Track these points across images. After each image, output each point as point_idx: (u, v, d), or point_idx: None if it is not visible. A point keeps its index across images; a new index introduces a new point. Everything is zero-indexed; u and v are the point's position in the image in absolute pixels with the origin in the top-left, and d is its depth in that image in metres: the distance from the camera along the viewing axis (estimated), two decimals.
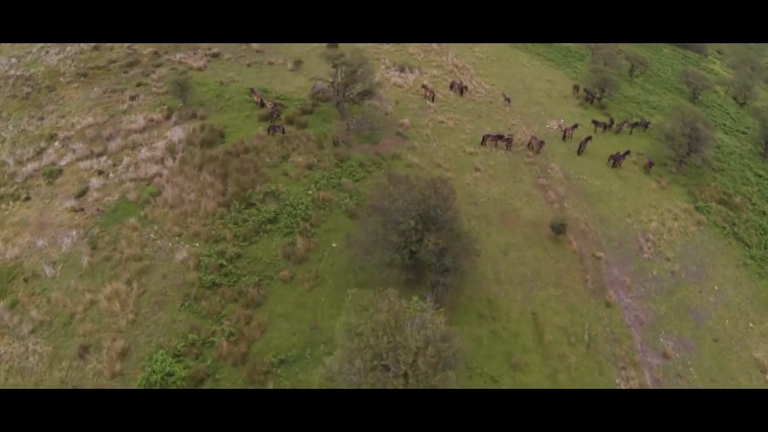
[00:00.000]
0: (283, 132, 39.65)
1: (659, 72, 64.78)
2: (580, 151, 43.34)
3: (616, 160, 42.97)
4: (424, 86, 47.64)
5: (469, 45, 59.44)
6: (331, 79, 41.74)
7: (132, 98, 46.32)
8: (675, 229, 38.45)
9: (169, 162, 37.42)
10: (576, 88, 52.94)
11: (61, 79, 51.69)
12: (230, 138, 39.58)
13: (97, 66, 53.29)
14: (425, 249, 26.86)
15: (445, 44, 58.30)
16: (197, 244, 31.58)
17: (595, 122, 47.06)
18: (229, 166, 36.50)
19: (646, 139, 48.30)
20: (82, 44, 61.40)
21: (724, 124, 57.01)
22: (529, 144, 42.67)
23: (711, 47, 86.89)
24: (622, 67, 58.58)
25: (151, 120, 42.41)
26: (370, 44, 55.32)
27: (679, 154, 44.56)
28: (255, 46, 53.46)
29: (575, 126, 45.16)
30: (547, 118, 47.25)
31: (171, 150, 39.02)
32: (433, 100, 46.33)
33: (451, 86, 48.93)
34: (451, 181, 35.85)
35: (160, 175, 36.11)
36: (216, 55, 52.73)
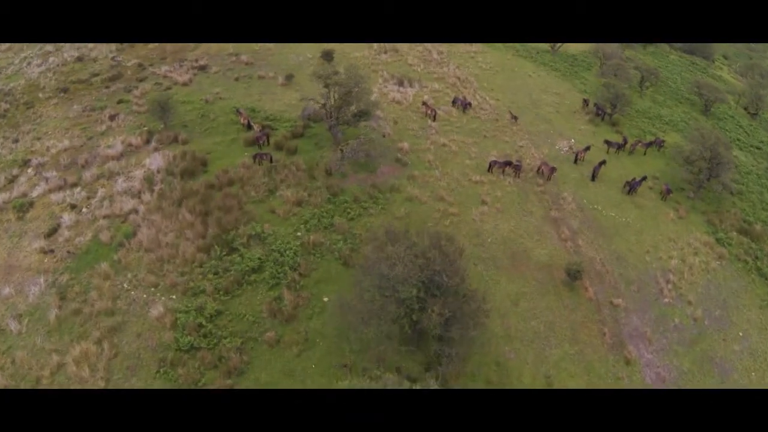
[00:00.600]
0: (271, 160, 35.02)
1: (668, 81, 59.53)
2: (593, 177, 38.79)
3: (632, 187, 38.39)
4: (424, 103, 42.68)
5: (472, 55, 54.62)
6: (322, 101, 36.71)
7: (111, 117, 41.62)
8: (696, 266, 34.43)
9: (147, 196, 33.08)
10: (585, 102, 48.08)
11: (41, 95, 47.02)
12: (213, 166, 35.08)
13: (79, 80, 48.65)
14: (428, 319, 22.82)
15: (446, 54, 53.46)
16: (174, 297, 27.47)
17: (607, 142, 42.34)
18: (211, 203, 32.24)
19: (661, 160, 43.73)
20: (65, 55, 56.45)
21: (738, 139, 52.26)
22: (539, 170, 38.06)
23: (716, 48, 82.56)
24: (632, 79, 53.30)
25: (130, 144, 37.78)
26: (367, 55, 50.92)
27: (698, 179, 40.17)
28: (244, 57, 48.52)
29: (587, 148, 40.62)
30: (557, 138, 42.63)
31: (149, 181, 34.65)
32: (434, 119, 41.43)
33: (454, 102, 44.07)
34: (456, 218, 32.23)
35: (136, 211, 31.90)
36: (203, 68, 47.75)
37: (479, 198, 34.92)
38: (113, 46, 55.60)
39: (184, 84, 45.25)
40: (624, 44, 62.23)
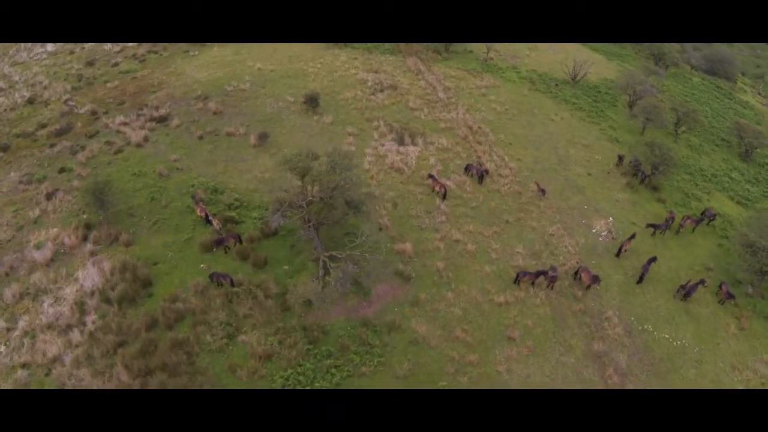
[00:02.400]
0: (232, 284, 24.13)
1: (698, 113, 44.13)
2: (641, 279, 28.13)
3: (687, 293, 27.96)
4: (431, 176, 30.60)
5: (483, 91, 41.29)
6: (299, 207, 24.30)
7: (49, 196, 30.16)
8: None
9: (76, 334, 22.96)
10: (620, 159, 36.04)
11: None
12: (160, 287, 24.49)
13: (24, 132, 36.51)
14: None
15: (453, 91, 40.36)
16: None
17: (652, 226, 31.14)
18: (154, 357, 21.43)
19: (712, 238, 32.54)
20: (16, 96, 42.85)
21: None
22: (577, 275, 27.28)
23: (736, 62, 70.86)
24: (667, 123, 41.07)
25: (62, 245, 26.93)
26: (359, 95, 37.88)
27: (761, 272, 29.36)
28: (212, 104, 35.96)
29: (632, 237, 29.65)
30: (593, 216, 31.20)
31: (80, 309, 24.11)
32: (444, 196, 29.87)
33: (467, 170, 32.21)
34: (475, 370, 21.96)
35: (62, 361, 21.90)
36: (163, 120, 35.22)
37: (504, 332, 24.11)
38: (68, 85, 42.59)
39: (138, 145, 32.98)
40: (647, 70, 51.65)
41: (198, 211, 27.84)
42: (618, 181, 35.50)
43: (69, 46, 50.35)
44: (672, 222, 32.73)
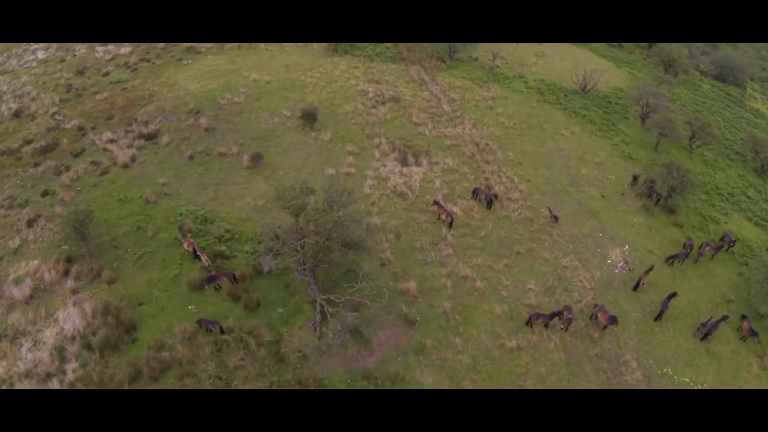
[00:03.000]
0: (221, 331, 21.49)
1: (711, 125, 40.80)
2: (659, 317, 25.40)
3: (708, 332, 25.26)
4: (436, 203, 27.70)
5: (489, 104, 37.81)
6: (293, 249, 21.61)
7: (30, 223, 27.47)
8: None
9: (55, 385, 20.44)
10: (635, 178, 33.02)
11: None
12: (145, 333, 21.90)
13: (9, 149, 33.60)
14: None
15: (458, 103, 36.95)
16: None
17: (671, 258, 28.35)
18: None
19: (732, 266, 29.78)
20: (2, 108, 39.13)
21: None
22: (593, 315, 24.60)
23: (745, 66, 67.44)
24: (681, 138, 37.53)
25: (41, 280, 24.25)
26: (360, 109, 34.70)
27: None
28: (204, 120, 32.83)
29: (650, 270, 26.81)
30: (607, 244, 28.44)
31: (60, 355, 21.55)
32: (451, 225, 26.99)
33: (474, 194, 29.23)
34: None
35: None
36: (152, 137, 32.23)
37: (516, 382, 21.44)
38: (57, 97, 38.99)
39: (125, 166, 30.07)
40: (658, 78, 48.74)
41: (185, 246, 24.86)
42: (633, 204, 32.63)
43: (60, 53, 47.28)
44: (691, 250, 29.75)
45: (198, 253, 24.56)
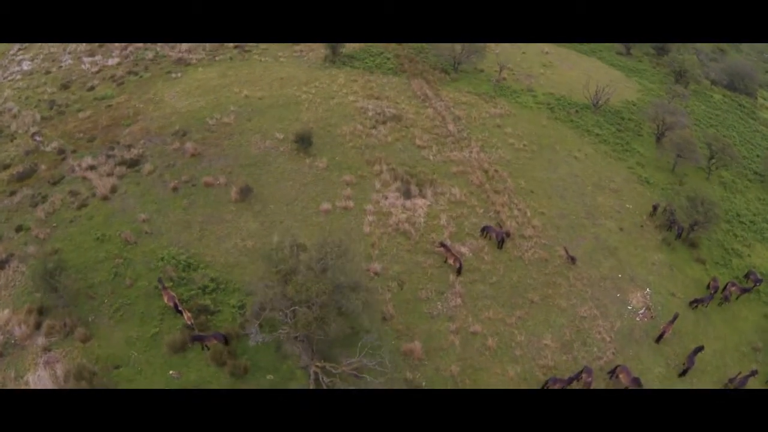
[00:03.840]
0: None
1: (732, 147, 37.20)
2: (684, 373, 22.09)
3: (737, 388, 22.13)
4: (443, 245, 23.93)
5: (497, 122, 33.56)
6: (284, 320, 18.28)
7: (2, 264, 23.69)
8: None
9: None
10: (655, 208, 29.28)
11: None
12: None
13: None
14: None
15: (464, 121, 32.90)
16: None
17: (695, 302, 24.97)
18: None
19: (757, 307, 26.34)
20: None
21: None
22: (614, 374, 21.12)
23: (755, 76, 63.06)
24: (700, 160, 33.60)
25: (11, 335, 20.82)
26: (359, 130, 30.71)
27: None
28: (190, 145, 28.73)
29: (674, 319, 23.37)
30: (627, 287, 24.83)
31: None
32: (459, 271, 23.23)
33: (484, 232, 25.36)
34: None
35: None
36: (135, 163, 28.21)
37: None
38: (39, 115, 34.33)
39: (105, 198, 26.16)
40: (671, 91, 43.07)
41: (166, 300, 21.06)
42: (653, 237, 28.84)
43: (46, 64, 42.80)
44: (716, 292, 26.00)
45: (180, 309, 20.81)
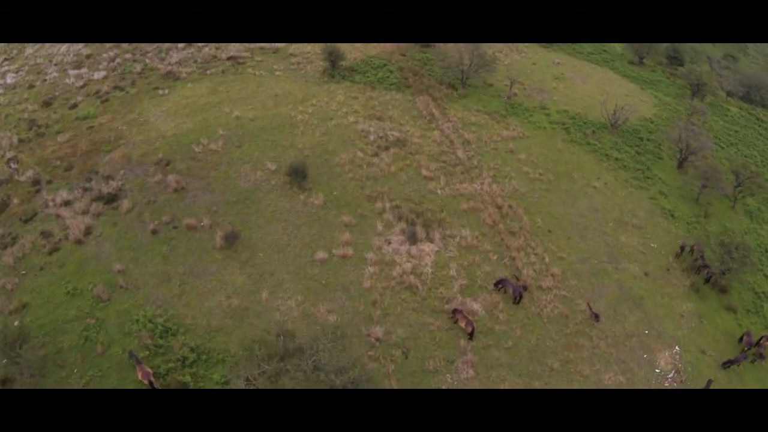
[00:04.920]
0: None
1: (761, 175, 32.33)
2: None
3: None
4: (456, 311, 19.85)
5: (510, 148, 28.95)
6: None
7: None
8: None
9: None
10: (682, 249, 25.21)
11: None
12: None
13: None
14: None
15: (474, 146, 28.54)
16: None
17: (728, 363, 21.33)
18: None
19: None
20: None
21: None
22: None
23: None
24: (727, 190, 29.63)
25: None
26: (359, 157, 26.56)
27: None
28: (172, 178, 24.38)
29: (708, 386, 19.88)
30: (655, 344, 21.18)
31: None
32: (471, 336, 19.40)
33: (498, 285, 21.36)
34: None
35: None
36: (113, 199, 23.96)
37: None
38: (16, 137, 29.93)
39: (78, 241, 22.10)
40: (690, 108, 36.99)
41: (140, 376, 17.18)
42: (680, 283, 24.32)
43: (30, 77, 37.36)
44: (749, 348, 22.13)
45: (155, 387, 16.97)
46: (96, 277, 21.30)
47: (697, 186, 29.54)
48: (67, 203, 24.91)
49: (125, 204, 24.06)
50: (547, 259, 23.29)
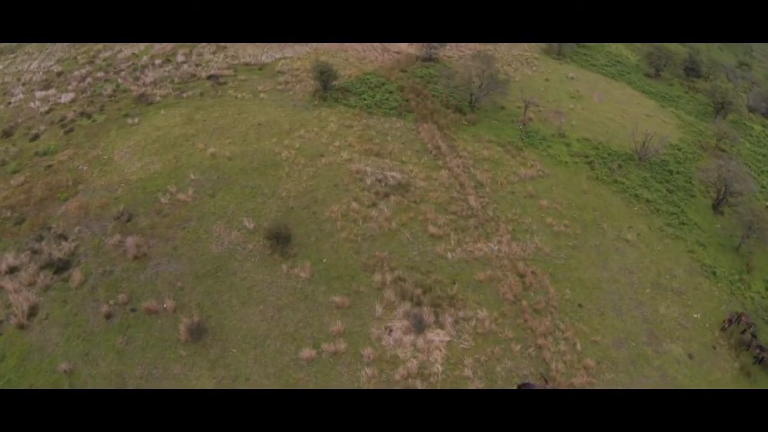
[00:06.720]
0: None
1: None
2: None
3: None
4: None
5: (529, 190, 22.76)
6: None
7: None
8: None
9: None
10: (729, 321, 19.52)
11: None
12: None
13: None
14: None
15: (488, 188, 22.56)
16: None
17: None
18: None
19: None
20: None
21: None
22: None
23: None
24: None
25: None
26: (354, 210, 20.53)
27: None
28: (132, 245, 18.55)
29: None
30: None
31: None
32: None
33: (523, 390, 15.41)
34: None
35: None
36: (63, 268, 18.17)
37: None
38: None
39: (21, 326, 16.55)
40: (718, 133, 30.11)
41: None
42: (728, 365, 18.35)
43: None
44: None
45: None
46: (38, 377, 15.57)
47: (737, 233, 23.58)
48: (12, 270, 18.90)
49: (77, 275, 17.94)
50: (579, 346, 17.32)
